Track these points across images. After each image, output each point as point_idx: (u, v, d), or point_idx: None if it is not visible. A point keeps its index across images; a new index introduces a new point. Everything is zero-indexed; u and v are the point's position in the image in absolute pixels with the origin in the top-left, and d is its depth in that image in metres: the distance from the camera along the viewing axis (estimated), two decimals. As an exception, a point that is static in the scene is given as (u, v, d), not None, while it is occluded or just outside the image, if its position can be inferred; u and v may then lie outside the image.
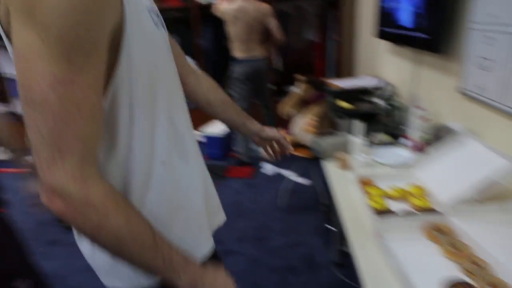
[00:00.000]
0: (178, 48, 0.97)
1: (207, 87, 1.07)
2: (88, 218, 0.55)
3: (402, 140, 1.93)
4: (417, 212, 1.21)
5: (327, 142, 1.69)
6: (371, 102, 2.43)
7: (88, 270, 0.83)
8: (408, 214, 1.17)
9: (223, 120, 1.12)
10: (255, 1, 3.26)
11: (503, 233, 1.07)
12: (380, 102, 2.39)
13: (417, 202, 1.24)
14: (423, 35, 1.89)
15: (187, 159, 0.79)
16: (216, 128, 3.88)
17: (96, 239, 0.58)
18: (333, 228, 2.19)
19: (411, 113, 1.69)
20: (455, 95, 1.70)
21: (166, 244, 0.65)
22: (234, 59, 3.44)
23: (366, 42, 3.36)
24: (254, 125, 1.15)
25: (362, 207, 1.28)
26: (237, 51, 3.39)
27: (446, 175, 1.30)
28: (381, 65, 2.95)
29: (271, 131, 1.16)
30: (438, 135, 1.64)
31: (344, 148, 1.72)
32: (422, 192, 1.30)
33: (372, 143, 1.94)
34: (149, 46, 0.66)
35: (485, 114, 1.51)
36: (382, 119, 2.32)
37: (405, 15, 2.11)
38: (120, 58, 0.60)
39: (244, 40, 3.31)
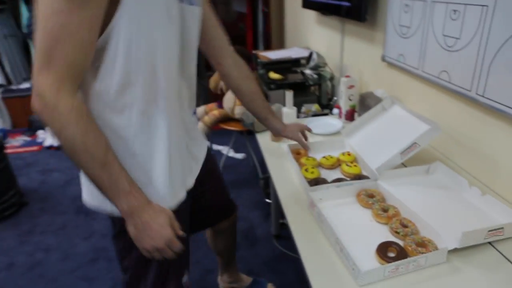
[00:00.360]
0: (214, 24, 1.05)
1: (241, 75, 1.14)
2: (53, 122, 0.68)
3: (333, 110, 1.96)
4: (348, 179, 1.23)
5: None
6: (301, 73, 2.44)
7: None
8: (340, 181, 1.19)
9: (249, 110, 1.22)
10: None
11: (426, 193, 1.12)
12: (310, 73, 2.41)
13: (349, 169, 1.26)
14: (346, 3, 1.90)
15: (164, 115, 0.85)
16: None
17: (58, 140, 0.70)
18: (270, 201, 2.21)
19: (340, 83, 1.71)
20: (380, 63, 1.75)
21: (117, 166, 0.74)
22: None
23: (294, 12, 3.35)
24: (277, 123, 1.24)
25: (296, 178, 1.28)
26: None
27: (374, 141, 1.33)
28: (310, 35, 2.96)
29: (291, 132, 1.25)
30: (365, 103, 1.68)
31: (277, 120, 1.70)
32: (352, 159, 1.33)
33: (304, 114, 1.95)
34: (149, 8, 0.74)
35: (406, 81, 1.57)
36: (313, 89, 2.34)
37: (330, -16, 2.10)
38: (118, 8, 0.70)
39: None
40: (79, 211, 2.52)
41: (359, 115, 1.77)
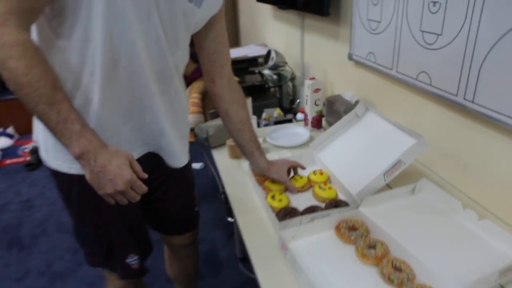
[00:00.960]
0: (221, 40, 1.02)
1: (233, 99, 1.06)
2: None
3: (297, 115, 1.77)
4: (322, 205, 1.04)
5: (212, 126, 1.43)
6: (259, 74, 2.23)
7: None
8: (313, 210, 0.99)
9: (234, 139, 1.12)
10: None
11: (416, 220, 0.95)
12: (269, 73, 2.21)
13: (322, 193, 1.06)
14: (307, -4, 1.71)
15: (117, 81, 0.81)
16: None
17: (1, 72, 0.66)
18: (233, 220, 1.99)
19: (304, 85, 1.52)
20: (346, 62, 1.57)
21: (67, 105, 0.71)
22: None
23: (248, 6, 3.13)
24: (262, 160, 1.10)
25: (260, 204, 1.07)
26: None
27: (349, 157, 1.14)
28: (266, 31, 2.75)
29: (276, 173, 1.09)
30: (333, 107, 1.50)
31: (235, 132, 1.48)
32: (325, 179, 1.13)
33: (265, 121, 1.74)
34: None
35: (378, 83, 1.40)
36: (273, 91, 2.14)
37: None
38: None
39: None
40: (11, 245, 2.16)
41: (327, 121, 1.58)
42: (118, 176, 0.72)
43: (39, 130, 0.88)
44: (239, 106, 1.07)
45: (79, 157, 0.72)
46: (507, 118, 0.88)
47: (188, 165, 1.13)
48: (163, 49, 0.85)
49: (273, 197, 1.04)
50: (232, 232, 2.05)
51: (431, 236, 0.89)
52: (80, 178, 0.80)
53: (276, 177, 1.10)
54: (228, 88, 1.05)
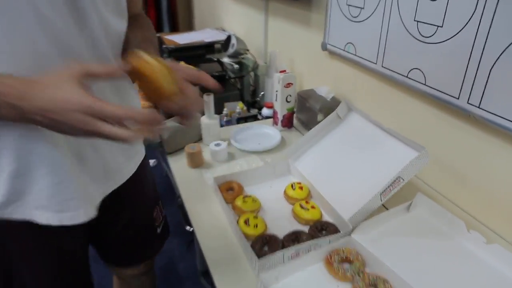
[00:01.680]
0: None
1: (134, 25, 0.75)
2: None
3: (263, 110, 1.57)
4: (306, 228, 0.86)
5: (167, 128, 1.20)
6: (218, 62, 2.00)
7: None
8: (297, 237, 0.81)
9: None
10: None
11: (416, 246, 0.80)
12: (229, 61, 1.98)
13: (305, 214, 0.89)
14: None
15: None
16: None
17: None
18: (192, 229, 1.78)
19: (273, 78, 1.32)
20: (319, 52, 1.39)
21: None
22: None
23: (203, -14, 2.86)
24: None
25: (228, 227, 0.87)
26: None
27: (334, 168, 0.98)
28: (224, 14, 2.51)
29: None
30: (306, 105, 1.32)
31: (194, 133, 1.26)
32: (306, 194, 0.96)
33: (227, 117, 1.53)
34: None
35: (358, 78, 1.24)
36: (233, 83, 1.92)
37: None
38: None
39: None
40: None
41: (298, 119, 1.41)
42: (72, 114, 0.48)
43: None
44: (138, 28, 0.78)
45: (13, 118, 0.49)
46: (522, 127, 0.75)
47: (141, 173, 0.89)
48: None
49: (246, 221, 0.85)
50: (191, 240, 1.83)
51: (436, 266, 0.75)
52: None
53: None
54: (133, 20, 0.78)
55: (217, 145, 1.15)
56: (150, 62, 0.57)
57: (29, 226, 0.64)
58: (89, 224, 0.71)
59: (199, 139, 1.27)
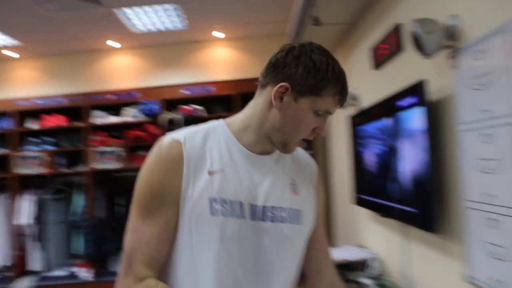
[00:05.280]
0: (318, 247, 0.98)
1: None
2: None
3: None
4: None
5: None
6: (357, 282, 2.05)
7: None
8: None
9: None
10: None
11: None
12: (368, 282, 2.02)
13: None
14: (411, 209, 1.66)
15: None
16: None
17: None
18: None
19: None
20: (462, 284, 1.37)
21: None
22: None
23: (344, 206, 3.16)
24: None
25: None
26: None
27: None
28: (364, 233, 2.67)
29: None
30: None
31: None
32: None
33: None
34: (196, 221, 0.83)
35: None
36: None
37: (387, 184, 1.92)
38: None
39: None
40: None
41: None
42: None
43: None
44: None
45: None
46: None
47: None
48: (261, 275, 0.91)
49: None
50: None
51: None
52: None
53: None
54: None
55: None
56: None
57: None
58: None
59: None
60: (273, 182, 0.87)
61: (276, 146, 0.87)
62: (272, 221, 0.85)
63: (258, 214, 0.84)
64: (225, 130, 0.88)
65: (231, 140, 0.87)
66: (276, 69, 0.83)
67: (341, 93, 0.83)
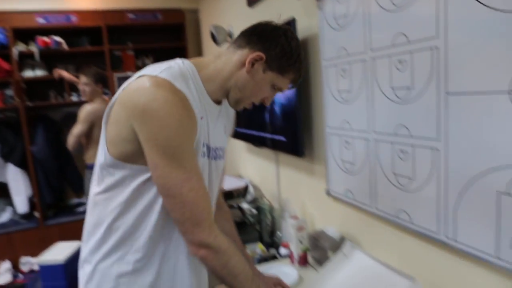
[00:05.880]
0: (222, 179, 1.17)
1: (218, 217, 1.12)
2: (219, 259, 0.88)
3: (281, 249, 1.76)
4: None
5: None
6: (238, 209, 2.27)
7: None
8: None
9: None
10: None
11: None
12: (248, 207, 2.25)
13: None
14: (281, 138, 1.87)
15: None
16: (58, 252, 3.13)
17: (220, 273, 0.90)
18: None
19: (286, 222, 1.55)
20: (325, 197, 1.65)
21: (256, 278, 0.96)
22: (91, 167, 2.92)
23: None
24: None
25: None
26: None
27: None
28: (241, 163, 2.89)
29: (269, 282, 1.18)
30: (318, 244, 1.52)
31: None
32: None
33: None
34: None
35: (359, 218, 1.46)
36: (254, 226, 2.15)
37: (260, 116, 2.09)
38: None
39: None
40: None
41: (313, 257, 1.58)
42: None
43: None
44: (225, 221, 1.21)
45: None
46: (487, 255, 0.93)
47: None
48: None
49: None
50: None
51: None
52: None
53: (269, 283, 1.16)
54: (216, 208, 1.14)
55: None
56: None
57: None
58: None
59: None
60: (219, 127, 1.02)
61: (230, 100, 0.98)
62: (217, 159, 1.03)
63: (212, 154, 0.99)
64: (196, 77, 0.93)
65: (201, 89, 0.93)
66: (259, 39, 0.93)
67: (297, 80, 0.98)
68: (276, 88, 0.97)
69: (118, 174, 0.89)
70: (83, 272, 0.96)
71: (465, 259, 1.03)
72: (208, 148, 0.97)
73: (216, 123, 1.01)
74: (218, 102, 1.00)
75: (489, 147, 0.91)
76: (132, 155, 0.86)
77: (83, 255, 0.97)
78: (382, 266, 1.11)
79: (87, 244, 0.96)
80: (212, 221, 0.89)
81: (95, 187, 0.94)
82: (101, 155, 0.91)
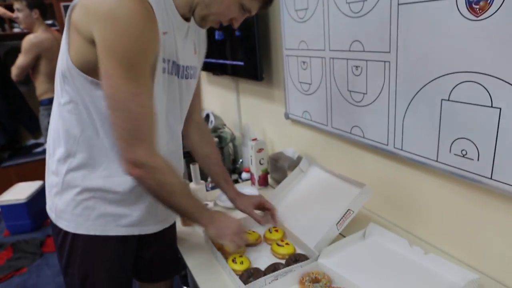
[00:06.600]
0: (197, 94, 1.17)
1: (199, 139, 1.22)
2: (156, 178, 0.88)
3: (242, 174, 1.81)
4: (282, 261, 1.06)
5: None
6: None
7: None
8: (276, 268, 1.00)
9: (207, 174, 1.28)
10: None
11: (371, 263, 1.00)
12: (209, 136, 2.25)
13: (281, 249, 1.09)
14: (239, 63, 1.84)
15: None
16: (19, 192, 3.07)
17: (157, 193, 0.91)
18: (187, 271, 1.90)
19: (247, 146, 1.59)
20: (284, 121, 1.68)
21: (194, 194, 1.00)
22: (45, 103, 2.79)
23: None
24: (230, 191, 1.24)
25: (221, 270, 1.06)
26: (50, 93, 2.75)
27: (301, 212, 1.20)
28: (204, 96, 2.84)
29: (243, 205, 1.20)
30: (277, 165, 1.57)
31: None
32: (281, 235, 1.17)
33: (213, 184, 1.76)
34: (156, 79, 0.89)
35: (316, 138, 1.52)
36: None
37: (218, 44, 2.03)
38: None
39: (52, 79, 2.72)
40: None
41: (272, 178, 1.65)
42: (233, 224, 1.03)
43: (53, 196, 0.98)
44: (205, 143, 1.23)
45: (208, 223, 1.00)
46: (430, 160, 1.01)
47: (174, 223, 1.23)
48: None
49: (233, 260, 1.04)
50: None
51: (386, 275, 0.95)
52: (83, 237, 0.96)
53: (241, 208, 1.19)
54: (196, 130, 1.21)
55: (205, 205, 1.36)
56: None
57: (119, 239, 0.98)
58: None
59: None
60: (188, 46, 0.99)
61: (195, 17, 0.93)
62: (188, 78, 1.02)
63: (181, 72, 0.97)
64: None
65: (169, 3, 0.88)
66: None
67: (267, 3, 0.94)
68: (245, 10, 0.92)
69: (79, 84, 0.85)
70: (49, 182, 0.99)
71: (410, 167, 1.11)
72: (177, 66, 0.94)
73: (185, 41, 0.97)
74: (187, 19, 0.96)
75: (435, 57, 0.94)
76: (94, 66, 0.81)
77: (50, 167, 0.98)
78: (336, 177, 1.18)
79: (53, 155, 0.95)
80: (154, 144, 0.86)
81: (58, 98, 0.91)
82: (62, 62, 0.86)
